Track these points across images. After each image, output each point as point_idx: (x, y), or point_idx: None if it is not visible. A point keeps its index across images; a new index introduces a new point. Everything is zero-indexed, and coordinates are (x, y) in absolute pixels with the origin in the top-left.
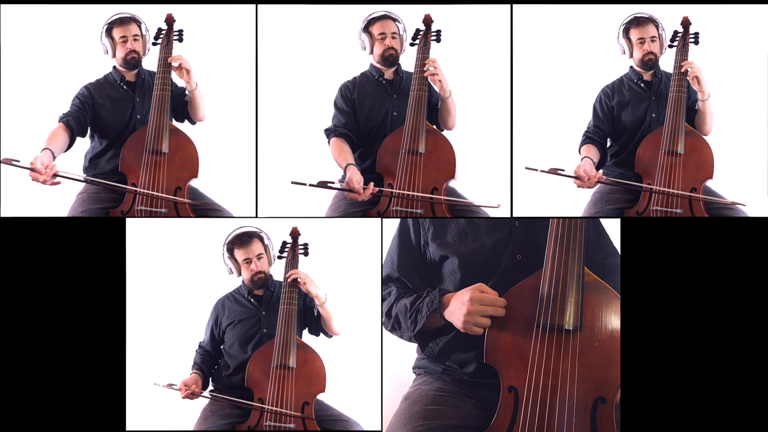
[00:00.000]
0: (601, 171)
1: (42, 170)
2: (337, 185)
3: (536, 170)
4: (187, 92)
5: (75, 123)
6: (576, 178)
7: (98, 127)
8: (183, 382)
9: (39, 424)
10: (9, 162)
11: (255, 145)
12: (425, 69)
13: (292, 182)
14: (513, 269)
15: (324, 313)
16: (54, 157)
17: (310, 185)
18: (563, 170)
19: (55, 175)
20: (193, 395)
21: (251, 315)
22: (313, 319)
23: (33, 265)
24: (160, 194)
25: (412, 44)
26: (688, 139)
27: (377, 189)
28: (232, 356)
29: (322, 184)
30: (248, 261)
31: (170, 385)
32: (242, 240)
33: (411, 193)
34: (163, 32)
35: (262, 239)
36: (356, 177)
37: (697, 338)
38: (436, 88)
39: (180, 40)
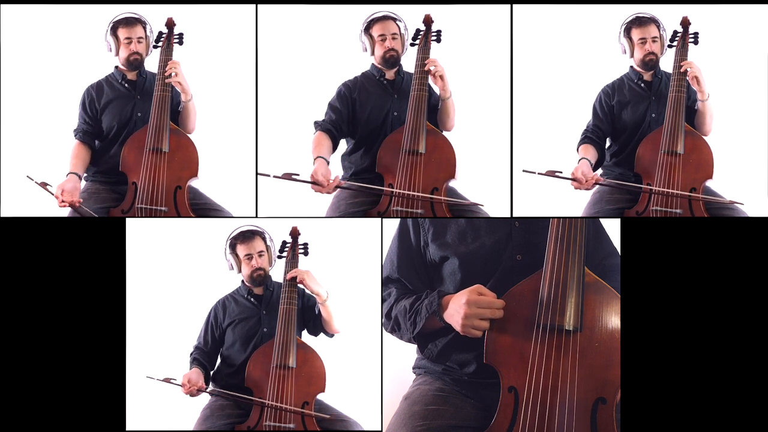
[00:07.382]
0: (598, 172)
1: (63, 197)
2: (303, 178)
3: (533, 173)
4: (181, 102)
5: (89, 138)
6: (573, 180)
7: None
8: (186, 377)
9: (40, 425)
10: (44, 185)
11: (255, 146)
12: (426, 68)
13: (258, 173)
14: (513, 270)
15: (325, 311)
16: (80, 179)
17: (275, 177)
18: (561, 172)
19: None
20: (198, 391)
21: (251, 314)
22: (312, 318)
23: (33, 265)
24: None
25: (412, 44)
26: (688, 139)
27: (345, 182)
28: (232, 356)
29: (287, 176)
30: (249, 257)
31: (168, 380)
32: (245, 236)
33: (406, 192)
34: (164, 35)
35: (264, 238)
36: (321, 170)
37: (697, 338)
38: (437, 88)
39: (180, 43)
